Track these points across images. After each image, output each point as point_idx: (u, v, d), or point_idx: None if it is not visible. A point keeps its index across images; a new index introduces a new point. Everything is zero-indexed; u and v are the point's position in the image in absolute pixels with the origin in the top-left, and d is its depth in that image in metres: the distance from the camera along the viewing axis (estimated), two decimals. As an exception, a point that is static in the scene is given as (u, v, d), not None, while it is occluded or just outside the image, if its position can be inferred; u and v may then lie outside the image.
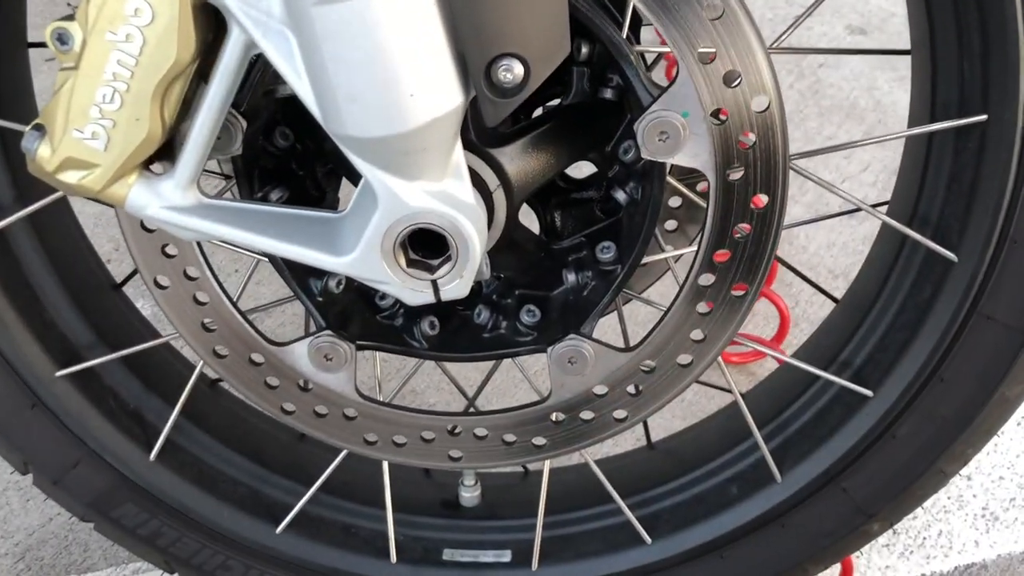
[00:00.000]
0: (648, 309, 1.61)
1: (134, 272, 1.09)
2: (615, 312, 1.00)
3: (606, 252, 0.87)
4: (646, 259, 0.88)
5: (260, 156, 0.85)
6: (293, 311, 1.60)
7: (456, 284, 0.72)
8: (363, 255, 0.71)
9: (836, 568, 1.20)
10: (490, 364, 1.10)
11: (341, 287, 0.92)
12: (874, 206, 0.87)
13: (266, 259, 1.01)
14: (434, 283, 0.72)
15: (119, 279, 1.07)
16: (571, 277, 0.90)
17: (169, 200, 0.73)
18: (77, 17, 0.66)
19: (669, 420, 1.44)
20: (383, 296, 0.94)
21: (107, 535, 1.05)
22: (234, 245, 0.75)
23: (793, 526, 0.97)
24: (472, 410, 1.02)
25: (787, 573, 0.99)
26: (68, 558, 1.24)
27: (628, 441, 1.35)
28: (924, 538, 1.31)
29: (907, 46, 0.89)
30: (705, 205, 0.78)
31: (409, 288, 0.72)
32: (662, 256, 0.97)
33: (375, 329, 0.92)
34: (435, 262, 0.72)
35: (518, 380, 1.51)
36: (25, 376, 0.96)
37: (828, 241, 1.84)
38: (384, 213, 0.69)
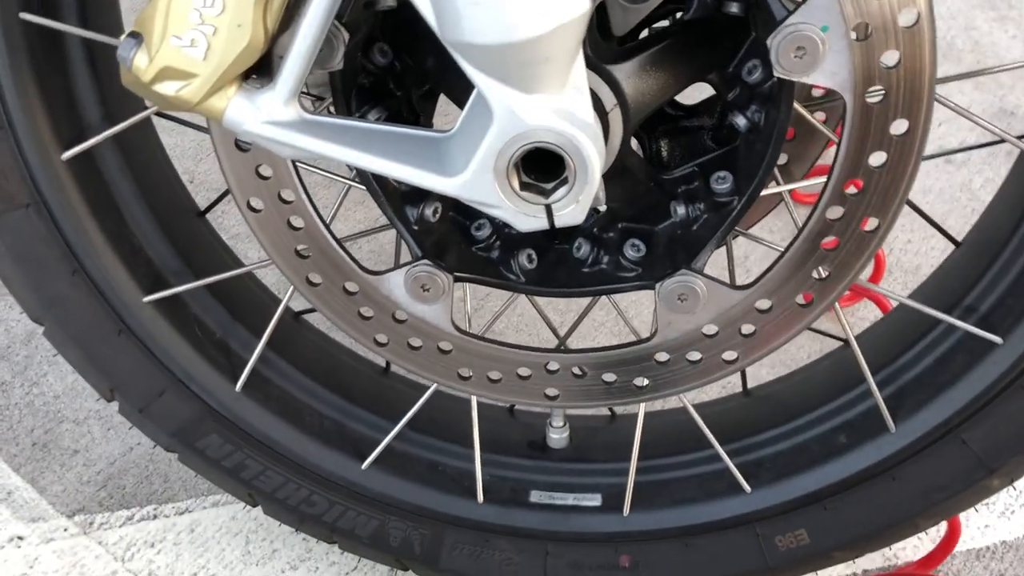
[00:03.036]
0: (742, 248, 1.56)
1: (218, 199, 1.07)
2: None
3: (722, 183, 0.81)
4: (764, 192, 0.83)
5: (357, 74, 0.81)
6: (370, 247, 1.57)
7: (572, 210, 0.67)
8: (474, 176, 0.66)
9: (941, 527, 1.15)
10: (583, 304, 1.06)
11: (437, 216, 0.87)
12: (1019, 137, 0.80)
13: (357, 186, 0.97)
14: (548, 208, 0.67)
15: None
16: (680, 210, 0.84)
17: (269, 115, 0.69)
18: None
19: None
20: (479, 227, 0.90)
21: (191, 466, 1.04)
22: (336, 162, 0.70)
23: (906, 479, 0.92)
24: (572, 348, 0.97)
25: (895, 527, 0.94)
26: (149, 488, 1.24)
27: (714, 389, 1.30)
28: (1028, 497, 1.25)
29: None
30: (831, 135, 0.73)
31: (521, 213, 0.68)
32: (779, 189, 0.91)
33: (471, 261, 0.88)
34: (549, 185, 0.68)
35: (598, 323, 1.46)
36: (113, 301, 0.94)
37: (924, 187, 1.75)
38: (499, 130, 0.64)
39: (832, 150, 0.83)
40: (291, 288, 0.92)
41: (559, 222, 0.67)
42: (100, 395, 1.00)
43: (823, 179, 0.75)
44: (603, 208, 0.81)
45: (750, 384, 1.10)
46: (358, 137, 0.70)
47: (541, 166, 0.68)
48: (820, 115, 1.04)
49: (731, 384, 1.31)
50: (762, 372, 1.33)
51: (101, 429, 1.30)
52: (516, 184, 0.67)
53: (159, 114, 0.96)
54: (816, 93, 1.01)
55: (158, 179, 0.99)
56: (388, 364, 1.15)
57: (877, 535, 0.94)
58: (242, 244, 1.51)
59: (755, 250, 1.57)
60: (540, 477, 1.05)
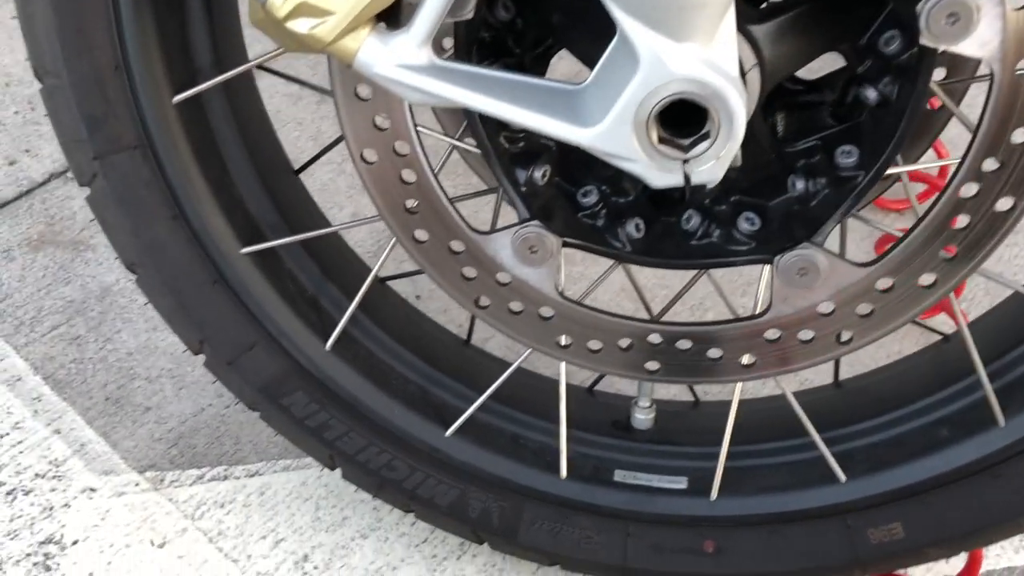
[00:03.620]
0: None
1: (314, 158, 1.06)
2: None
3: (847, 157, 0.79)
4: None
5: (480, 27, 0.80)
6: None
7: (711, 166, 0.66)
8: (611, 127, 0.65)
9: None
10: (678, 285, 1.04)
11: (545, 179, 0.86)
12: None
13: (464, 146, 0.96)
14: (685, 164, 0.66)
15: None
16: (800, 184, 0.82)
17: (402, 58, 0.68)
18: None
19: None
20: (586, 194, 0.88)
21: (273, 424, 1.03)
22: (465, 108, 0.69)
23: (1010, 476, 0.89)
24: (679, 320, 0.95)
25: (996, 527, 0.91)
26: (219, 448, 1.23)
27: (792, 382, 1.27)
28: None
29: None
30: (965, 119, 0.70)
31: (656, 168, 0.66)
32: (898, 170, 0.88)
33: (577, 227, 0.87)
34: (686, 141, 0.66)
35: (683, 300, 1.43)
36: (210, 249, 0.93)
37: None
38: (643, 78, 0.63)
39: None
40: (388, 247, 0.92)
41: (696, 179, 0.66)
42: (188, 346, 0.99)
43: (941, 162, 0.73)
44: (739, 165, 0.79)
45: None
46: (490, 85, 0.68)
47: (676, 122, 0.67)
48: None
49: (815, 377, 1.28)
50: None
51: (173, 388, 1.30)
52: (654, 137, 0.65)
53: (261, 67, 0.96)
54: (937, 76, 0.99)
55: (259, 133, 0.99)
56: (469, 336, 1.14)
57: (976, 533, 0.91)
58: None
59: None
60: (624, 457, 1.03)
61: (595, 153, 0.67)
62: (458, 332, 1.14)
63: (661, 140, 0.66)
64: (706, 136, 0.65)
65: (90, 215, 1.49)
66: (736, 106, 0.63)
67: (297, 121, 1.71)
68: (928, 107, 1.00)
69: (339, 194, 1.57)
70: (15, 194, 1.54)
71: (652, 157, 0.66)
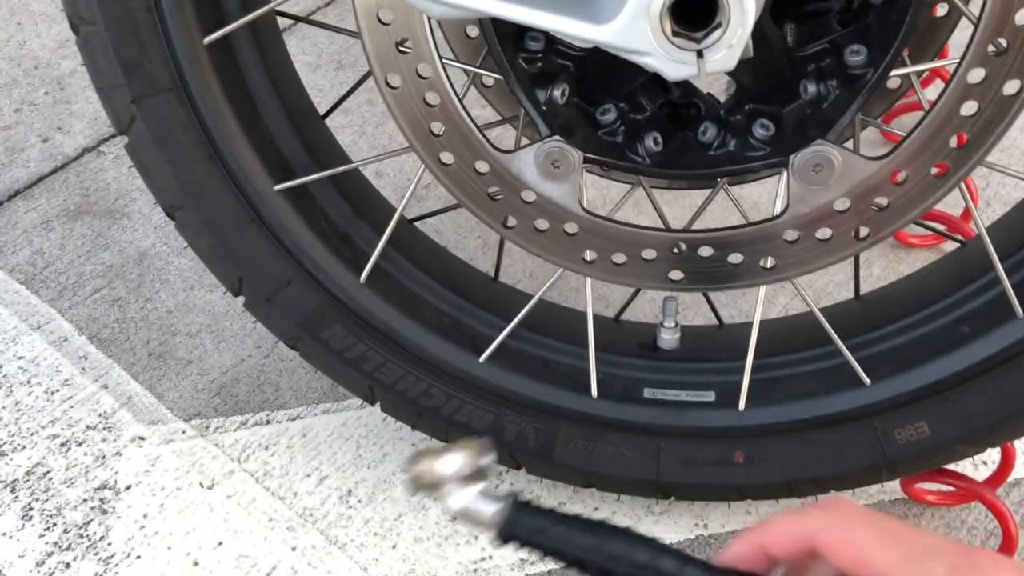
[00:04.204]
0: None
1: (339, 102, 1.10)
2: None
3: (856, 55, 0.82)
4: (894, 72, 0.83)
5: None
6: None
7: (724, 55, 0.68)
8: (628, 21, 0.68)
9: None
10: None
11: (564, 98, 0.89)
12: None
13: (487, 74, 0.99)
14: (699, 54, 0.69)
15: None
16: (811, 88, 0.85)
17: (422, -28, 0.71)
18: None
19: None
20: (604, 112, 0.91)
21: (312, 360, 1.07)
22: (487, 16, 0.72)
23: (1033, 367, 0.91)
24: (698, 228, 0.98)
25: (1020, 417, 0.93)
26: (261, 396, 1.28)
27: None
28: None
29: None
30: (965, 9, 0.72)
31: (672, 60, 0.69)
32: (907, 70, 0.90)
33: (597, 143, 0.90)
34: (699, 34, 0.69)
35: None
36: (245, 188, 0.96)
37: (1020, 123, 1.72)
38: (656, -29, 0.65)
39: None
40: (414, 182, 0.95)
41: (710, 68, 0.68)
42: (227, 286, 1.03)
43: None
44: (751, 57, 0.82)
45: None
46: (508, -7, 0.71)
47: (689, 17, 0.69)
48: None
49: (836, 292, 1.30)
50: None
51: (213, 342, 1.34)
52: (668, 29, 0.68)
53: (279, 12, 0.99)
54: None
55: (286, 76, 1.02)
56: (497, 272, 1.17)
57: (1003, 425, 0.94)
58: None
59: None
60: (652, 376, 1.06)
61: (612, 50, 0.70)
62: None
63: (675, 33, 0.68)
64: (718, 27, 0.67)
65: (124, 186, 1.54)
66: (744, -8, 0.65)
67: (318, 88, 1.75)
68: (931, 14, 1.02)
69: (361, 155, 1.61)
70: (51, 168, 1.58)
71: (667, 50, 0.68)
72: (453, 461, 0.59)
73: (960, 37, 1.08)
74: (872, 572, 0.51)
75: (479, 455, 0.60)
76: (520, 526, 0.59)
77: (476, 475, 0.59)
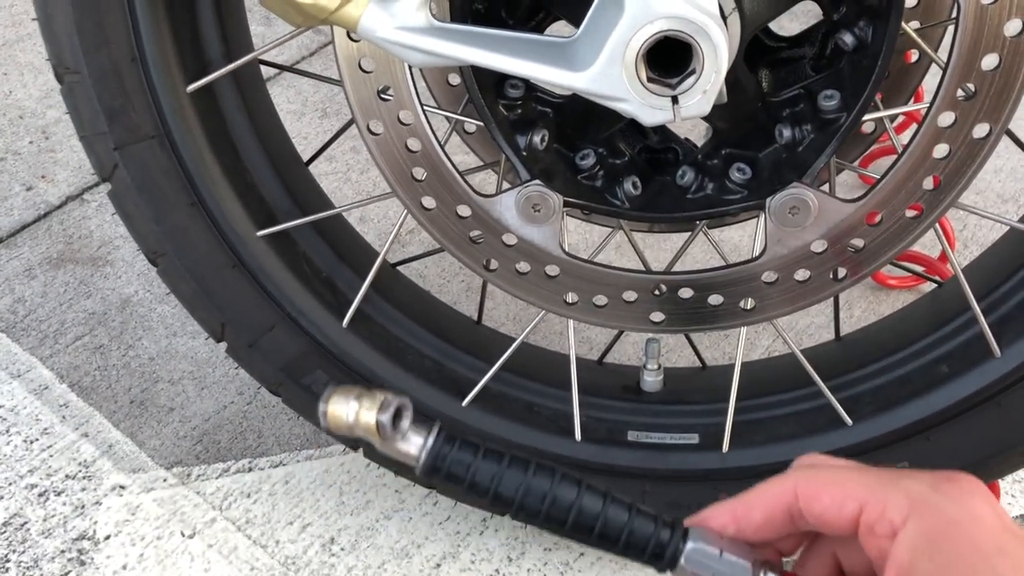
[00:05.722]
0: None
1: (322, 149, 1.11)
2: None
3: (830, 100, 0.83)
4: (866, 117, 0.85)
5: (474, -1, 0.85)
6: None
7: (698, 100, 0.70)
8: (603, 68, 0.69)
9: None
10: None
11: (544, 144, 0.90)
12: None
13: (467, 120, 1.00)
14: (674, 100, 0.70)
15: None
16: (787, 132, 0.86)
17: (402, 21, 0.72)
18: None
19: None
20: (583, 157, 0.92)
21: (295, 406, 1.07)
22: (465, 64, 0.74)
23: (1012, 405, 0.92)
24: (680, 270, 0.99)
25: (1000, 456, 0.94)
26: (243, 443, 1.27)
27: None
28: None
29: None
30: (934, 55, 0.74)
31: (648, 105, 0.70)
32: (879, 115, 0.92)
33: (577, 188, 0.91)
34: (674, 80, 0.70)
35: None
36: (228, 234, 0.97)
37: (995, 167, 1.75)
38: (630, 19, 0.67)
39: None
40: (395, 227, 0.96)
41: (685, 113, 0.70)
42: (209, 332, 1.03)
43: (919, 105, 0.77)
44: (725, 102, 0.83)
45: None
46: (487, 41, 0.73)
47: (664, 64, 0.71)
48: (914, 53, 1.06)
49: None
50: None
51: (195, 388, 1.33)
52: (643, 76, 0.69)
53: (262, 62, 1.01)
54: (911, 28, 1.03)
55: (268, 124, 1.03)
56: (480, 316, 1.18)
57: (983, 465, 0.94)
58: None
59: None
60: (636, 418, 1.06)
61: (589, 96, 0.71)
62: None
63: (650, 80, 0.70)
64: (692, 73, 0.69)
65: (107, 233, 1.54)
66: (718, 40, 0.67)
67: (303, 135, 1.76)
68: (904, 60, 1.04)
69: (346, 200, 1.61)
70: (34, 217, 1.58)
71: (643, 96, 0.70)
72: (369, 411, 0.54)
73: (933, 82, 1.11)
74: (853, 504, 0.51)
75: (396, 403, 0.55)
76: (446, 459, 0.55)
77: (398, 413, 0.55)
